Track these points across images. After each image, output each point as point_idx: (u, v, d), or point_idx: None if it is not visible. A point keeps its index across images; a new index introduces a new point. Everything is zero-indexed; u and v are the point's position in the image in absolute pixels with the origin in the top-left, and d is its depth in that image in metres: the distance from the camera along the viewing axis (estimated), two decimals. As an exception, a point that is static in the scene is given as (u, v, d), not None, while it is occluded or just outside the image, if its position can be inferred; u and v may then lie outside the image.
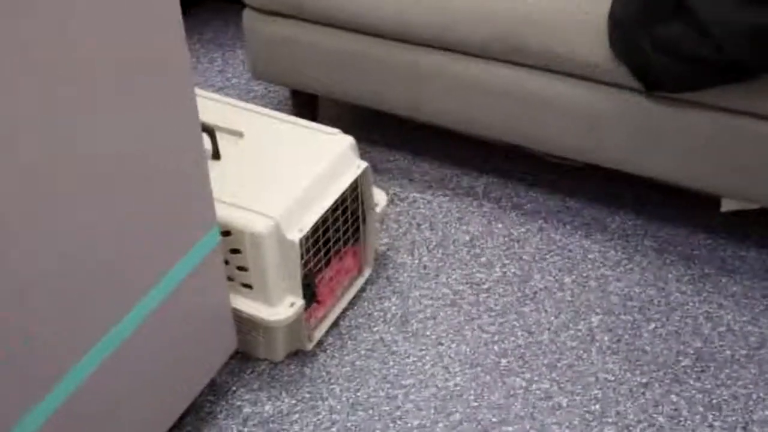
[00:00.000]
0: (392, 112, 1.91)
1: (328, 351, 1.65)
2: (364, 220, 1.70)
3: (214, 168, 1.58)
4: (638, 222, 1.91)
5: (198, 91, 1.75)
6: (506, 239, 1.87)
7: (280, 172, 1.56)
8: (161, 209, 1.22)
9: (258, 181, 1.54)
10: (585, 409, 1.55)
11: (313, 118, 2.09)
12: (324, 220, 1.57)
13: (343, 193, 1.59)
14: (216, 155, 1.59)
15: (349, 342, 1.67)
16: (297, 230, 1.48)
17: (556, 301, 1.74)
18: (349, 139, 1.63)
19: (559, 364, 1.62)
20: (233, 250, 1.49)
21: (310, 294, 1.56)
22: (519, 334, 1.68)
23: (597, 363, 1.63)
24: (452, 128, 1.88)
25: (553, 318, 1.71)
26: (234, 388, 1.59)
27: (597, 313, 1.72)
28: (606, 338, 1.67)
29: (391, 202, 1.96)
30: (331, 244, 1.61)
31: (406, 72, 1.82)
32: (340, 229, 1.63)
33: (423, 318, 1.71)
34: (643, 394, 1.57)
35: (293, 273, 1.50)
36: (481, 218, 1.92)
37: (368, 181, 1.65)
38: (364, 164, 1.62)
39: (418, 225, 1.91)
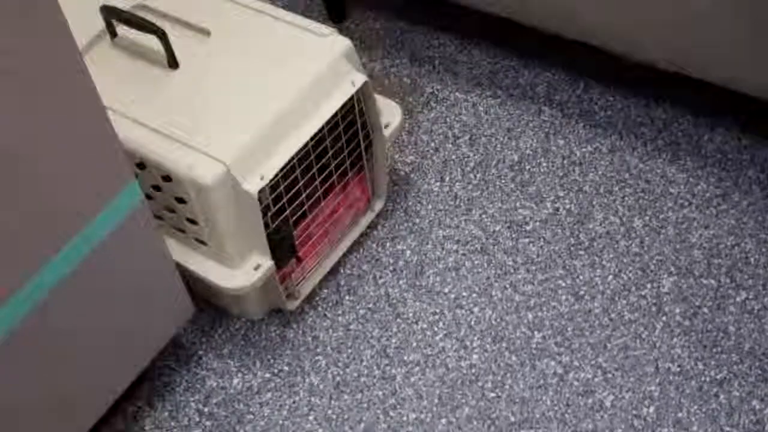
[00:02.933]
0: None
1: (319, 308, 1.34)
2: (370, 144, 1.33)
3: (166, 81, 1.23)
4: (743, 144, 1.44)
5: (166, -31, 1.37)
6: (565, 161, 1.46)
7: (247, 90, 1.20)
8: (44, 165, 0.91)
9: (216, 105, 1.19)
10: (634, 412, 1.19)
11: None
12: (306, 153, 1.21)
13: (331, 119, 1.21)
14: (172, 62, 1.24)
15: (347, 297, 1.34)
16: (257, 177, 1.13)
17: (619, 252, 1.34)
18: (343, 44, 1.24)
19: (609, 345, 1.26)
20: (179, 199, 1.17)
21: (286, 251, 1.23)
22: (563, 298, 1.31)
23: (660, 346, 1.25)
24: (506, 16, 1.44)
25: (610, 277, 1.32)
26: (201, 353, 1.31)
27: (671, 273, 1.31)
28: (677, 310, 1.28)
29: (425, 104, 1.56)
30: (318, 181, 1.26)
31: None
32: (336, 157, 1.27)
33: (442, 268, 1.35)
34: (716, 396, 1.19)
35: (256, 230, 1.16)
36: (537, 130, 1.50)
37: (371, 98, 1.26)
38: (361, 78, 1.23)
39: (456, 137, 1.51)
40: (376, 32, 1.68)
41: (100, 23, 1.30)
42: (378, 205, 1.40)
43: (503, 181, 1.44)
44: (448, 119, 1.54)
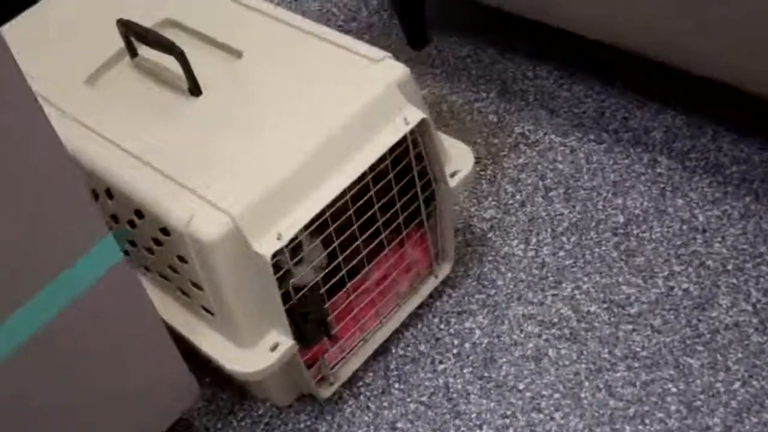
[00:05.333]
0: (519, 14, 1.22)
1: (361, 397, 1.08)
2: (432, 195, 1.07)
3: (183, 111, 1.01)
4: None
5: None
6: (685, 227, 1.16)
7: (275, 126, 0.96)
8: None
9: (234, 144, 0.95)
10: None
11: (420, 11, 1.42)
12: (343, 206, 0.96)
13: (377, 164, 0.96)
14: (193, 88, 1.01)
15: (396, 386, 1.08)
16: (273, 236, 0.89)
17: (749, 351, 1.03)
18: (397, 71, 0.99)
19: (732, 477, 0.95)
20: (181, 257, 0.93)
21: (314, 328, 0.98)
22: (672, 408, 1.00)
23: (803, 485, 0.93)
24: (618, 45, 1.17)
25: (737, 384, 1.01)
26: (213, 442, 1.07)
27: (820, 384, 1.00)
28: (829, 437, 0.96)
29: (513, 147, 1.29)
30: (359, 241, 1.00)
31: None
32: (386, 212, 1.02)
33: (519, 357, 1.07)
34: None
35: (271, 301, 0.92)
36: (650, 186, 1.21)
37: (431, 140, 1.00)
38: (417, 115, 0.97)
39: (547, 190, 1.23)
40: (461, 60, 1.43)
41: (121, 40, 1.09)
42: (443, 271, 1.14)
43: (604, 249, 1.15)
44: (539, 167, 1.26)
